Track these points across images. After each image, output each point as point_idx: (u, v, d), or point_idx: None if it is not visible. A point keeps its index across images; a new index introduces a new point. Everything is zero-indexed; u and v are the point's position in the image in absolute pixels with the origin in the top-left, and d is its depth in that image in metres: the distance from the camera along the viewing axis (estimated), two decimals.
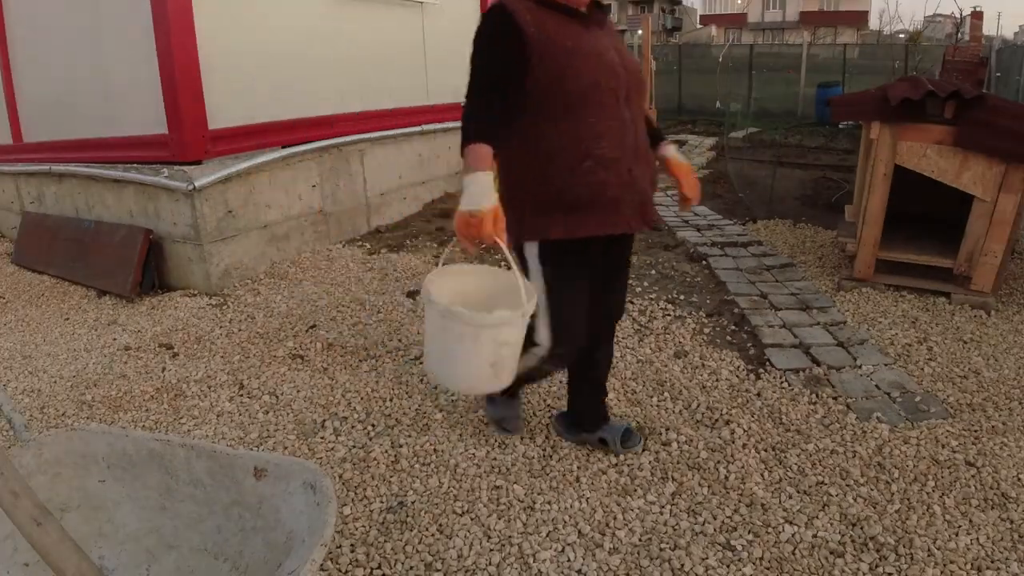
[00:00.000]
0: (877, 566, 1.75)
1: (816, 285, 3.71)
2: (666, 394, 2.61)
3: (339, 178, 4.62)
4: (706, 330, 3.17)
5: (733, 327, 3.19)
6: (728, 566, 1.76)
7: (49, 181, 4.65)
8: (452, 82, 5.78)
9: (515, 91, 1.73)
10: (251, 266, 4.02)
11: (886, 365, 2.80)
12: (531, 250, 1.87)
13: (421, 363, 2.91)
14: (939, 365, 2.79)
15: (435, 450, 2.28)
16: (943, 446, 2.23)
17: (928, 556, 1.78)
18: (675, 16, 46.60)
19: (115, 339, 3.32)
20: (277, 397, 2.67)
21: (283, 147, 4.16)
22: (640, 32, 11.81)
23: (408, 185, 5.33)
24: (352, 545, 1.86)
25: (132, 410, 2.62)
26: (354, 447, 2.31)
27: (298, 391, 2.71)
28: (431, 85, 5.59)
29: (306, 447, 2.32)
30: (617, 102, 1.80)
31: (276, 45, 4.17)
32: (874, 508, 1.95)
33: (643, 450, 2.24)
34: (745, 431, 2.33)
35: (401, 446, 2.30)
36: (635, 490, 2.06)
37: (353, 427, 2.44)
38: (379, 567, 1.79)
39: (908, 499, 1.99)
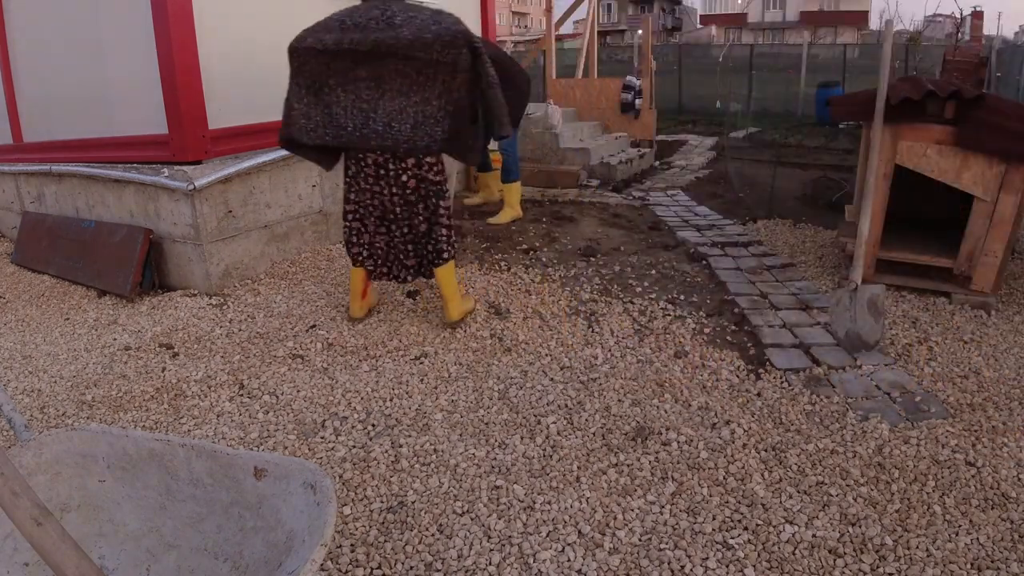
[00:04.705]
0: (877, 566, 1.75)
1: (816, 285, 3.71)
2: (666, 394, 2.61)
3: (339, 178, 4.62)
4: (706, 330, 3.17)
5: (733, 327, 3.19)
6: (728, 566, 1.76)
7: (49, 181, 4.65)
8: None
9: None
10: (251, 266, 4.02)
11: (886, 365, 2.80)
12: None
13: (421, 363, 2.91)
14: (939, 365, 2.79)
15: (435, 450, 2.28)
16: (943, 446, 2.23)
17: (928, 556, 1.78)
18: (675, 16, 46.59)
19: (115, 339, 3.32)
20: (277, 397, 2.67)
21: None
22: (640, 32, 11.81)
23: None
24: (352, 545, 1.86)
25: (132, 410, 2.62)
26: (354, 447, 2.31)
27: (298, 391, 2.71)
28: None
29: (306, 447, 2.32)
30: None
31: (277, 45, 4.16)
32: (874, 508, 1.95)
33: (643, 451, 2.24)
34: (745, 431, 2.33)
35: (401, 446, 2.30)
36: (635, 490, 2.06)
37: (353, 427, 2.44)
38: (379, 567, 1.79)
39: (908, 499, 1.99)
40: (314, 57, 2.88)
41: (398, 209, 3.08)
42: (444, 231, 3.12)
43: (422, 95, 2.87)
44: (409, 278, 3.28)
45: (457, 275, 3.86)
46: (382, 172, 3.01)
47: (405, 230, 3.15)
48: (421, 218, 3.11)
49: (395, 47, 2.79)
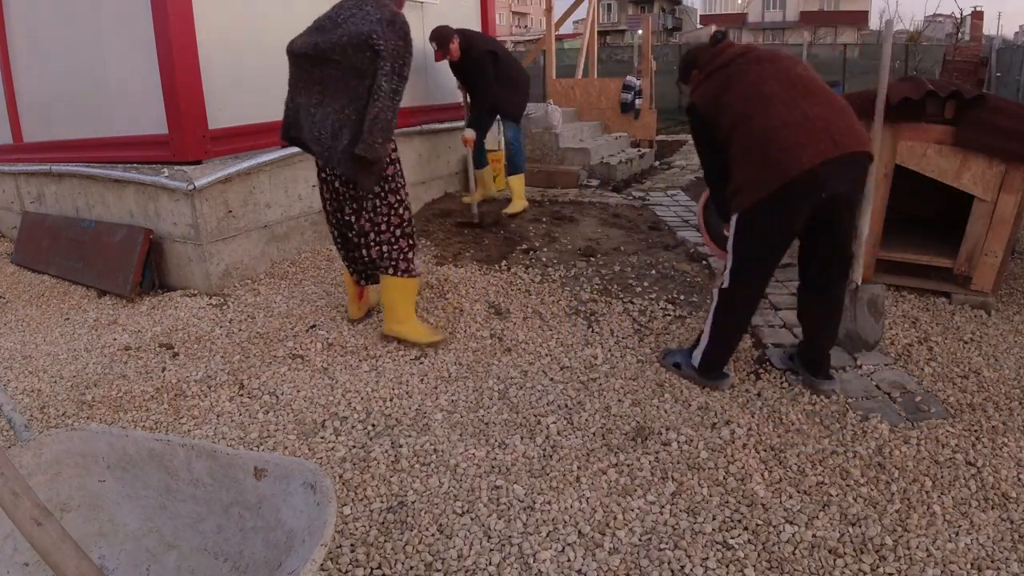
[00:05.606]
0: (877, 566, 1.75)
1: None
2: (666, 394, 2.61)
3: None
4: None
5: None
6: (728, 566, 1.76)
7: (49, 181, 4.65)
8: (452, 82, 5.80)
9: None
10: (251, 266, 4.02)
11: (886, 365, 2.80)
12: None
13: (421, 363, 2.91)
14: (939, 365, 2.79)
15: (435, 450, 2.28)
16: (943, 446, 2.23)
17: (928, 556, 1.78)
18: (675, 16, 46.59)
19: (115, 339, 3.32)
20: (277, 397, 2.67)
21: (283, 147, 4.16)
22: (640, 32, 11.82)
23: (408, 185, 5.32)
24: (352, 545, 1.86)
25: (132, 410, 2.62)
26: (354, 447, 2.31)
27: (298, 391, 2.71)
28: (431, 85, 5.59)
29: (306, 447, 2.32)
30: None
31: (277, 44, 4.15)
32: (874, 508, 1.95)
33: (643, 451, 2.24)
34: (745, 431, 2.33)
35: (401, 446, 2.30)
36: (635, 490, 2.06)
37: (353, 427, 2.44)
38: (379, 567, 1.79)
39: (908, 499, 1.99)
40: (291, 60, 2.91)
41: (339, 214, 3.06)
42: (377, 246, 2.98)
43: (340, 102, 2.77)
44: (361, 280, 3.27)
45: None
46: (323, 176, 3.02)
47: (335, 234, 3.14)
48: (357, 227, 3.01)
49: (325, 51, 2.74)
